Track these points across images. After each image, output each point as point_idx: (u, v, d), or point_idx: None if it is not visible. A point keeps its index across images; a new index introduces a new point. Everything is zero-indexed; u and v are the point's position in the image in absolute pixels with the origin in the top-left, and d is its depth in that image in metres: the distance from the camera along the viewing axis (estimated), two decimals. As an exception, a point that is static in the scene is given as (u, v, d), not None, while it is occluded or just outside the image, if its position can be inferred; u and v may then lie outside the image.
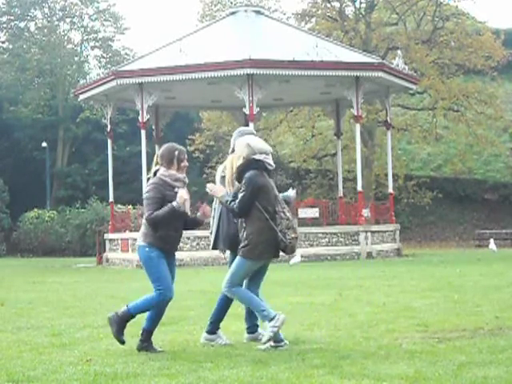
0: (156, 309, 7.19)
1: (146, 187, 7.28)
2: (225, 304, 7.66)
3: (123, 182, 41.97)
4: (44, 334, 8.51)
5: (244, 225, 7.27)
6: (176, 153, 7.17)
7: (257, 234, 7.18)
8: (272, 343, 7.20)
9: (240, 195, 7.19)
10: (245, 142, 7.36)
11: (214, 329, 7.59)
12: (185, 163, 7.22)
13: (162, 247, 7.11)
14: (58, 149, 47.52)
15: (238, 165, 7.33)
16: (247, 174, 7.22)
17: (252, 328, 7.73)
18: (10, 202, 41.72)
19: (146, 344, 7.19)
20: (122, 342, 7.24)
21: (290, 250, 7.28)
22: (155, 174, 7.22)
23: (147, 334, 7.24)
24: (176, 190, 7.06)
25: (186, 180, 7.21)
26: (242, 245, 7.26)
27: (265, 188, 7.27)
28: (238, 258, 7.33)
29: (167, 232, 7.09)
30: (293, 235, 7.24)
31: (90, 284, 17.16)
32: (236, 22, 28.82)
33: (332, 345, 7.27)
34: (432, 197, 39.53)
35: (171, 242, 7.19)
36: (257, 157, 7.29)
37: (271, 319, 7.17)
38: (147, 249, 7.13)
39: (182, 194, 7.02)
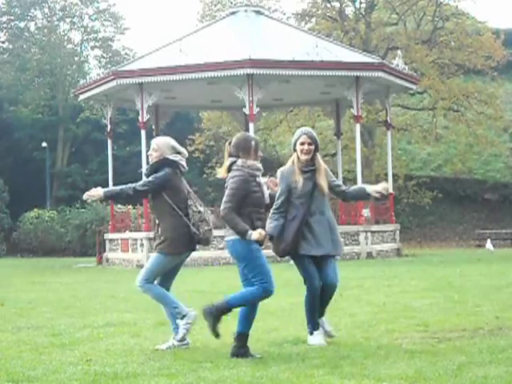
0: (251, 306, 6.89)
1: (228, 178, 7.02)
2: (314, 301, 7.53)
3: (123, 182, 41.65)
4: (44, 333, 8.51)
5: (157, 221, 7.50)
6: (253, 143, 7.07)
7: (171, 230, 7.37)
8: (176, 342, 7.31)
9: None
10: (170, 144, 7.61)
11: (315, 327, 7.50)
12: (260, 153, 7.13)
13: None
14: (57, 149, 47.49)
15: (152, 162, 7.56)
16: (161, 173, 7.44)
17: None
18: (10, 201, 41.69)
19: (243, 350, 6.77)
20: (218, 336, 6.94)
21: (204, 242, 7.44)
22: (230, 167, 7.03)
23: (244, 337, 6.84)
24: (258, 179, 6.98)
25: (262, 169, 7.10)
26: (158, 241, 7.43)
27: (176, 187, 7.49)
28: (155, 254, 7.47)
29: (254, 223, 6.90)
30: (206, 227, 7.40)
31: (90, 284, 17.16)
32: (236, 22, 28.80)
33: (332, 345, 7.27)
34: (432, 197, 39.53)
35: None
36: (171, 157, 7.53)
37: (183, 316, 7.35)
38: (244, 242, 6.82)
39: (262, 233, 6.82)
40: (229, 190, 6.91)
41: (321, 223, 7.38)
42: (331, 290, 7.39)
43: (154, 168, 7.52)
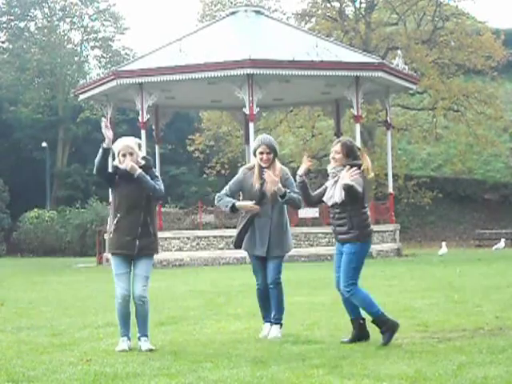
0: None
1: None
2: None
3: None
4: (44, 333, 8.51)
5: (149, 220, 7.34)
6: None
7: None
8: None
9: None
10: None
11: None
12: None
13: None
14: (57, 149, 47.47)
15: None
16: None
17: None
18: (10, 201, 41.68)
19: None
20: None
21: None
22: None
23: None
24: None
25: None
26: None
27: None
28: None
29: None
30: None
31: (89, 284, 17.16)
32: (236, 22, 28.82)
33: (332, 345, 7.26)
34: (432, 197, 39.53)
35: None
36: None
37: None
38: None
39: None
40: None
41: (264, 227, 7.79)
42: (271, 287, 7.97)
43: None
